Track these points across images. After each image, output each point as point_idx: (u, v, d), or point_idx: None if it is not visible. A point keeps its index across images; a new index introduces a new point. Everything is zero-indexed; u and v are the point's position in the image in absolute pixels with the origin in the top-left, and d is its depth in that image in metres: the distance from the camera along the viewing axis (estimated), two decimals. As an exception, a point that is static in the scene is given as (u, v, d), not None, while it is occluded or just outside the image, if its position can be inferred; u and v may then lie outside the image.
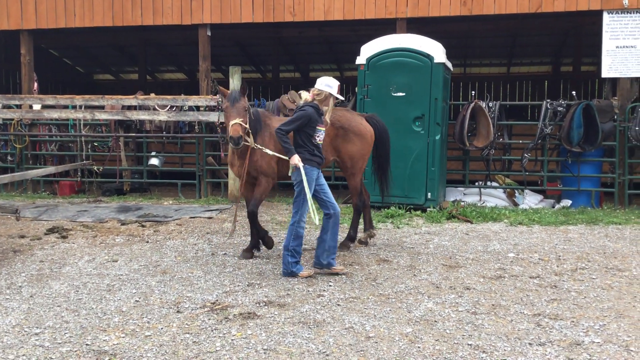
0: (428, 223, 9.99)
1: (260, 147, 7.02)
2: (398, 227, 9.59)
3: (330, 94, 6.62)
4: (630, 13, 11.41)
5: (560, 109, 11.79)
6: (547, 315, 5.22)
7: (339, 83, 6.73)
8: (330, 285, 6.20)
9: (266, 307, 5.49)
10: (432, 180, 10.93)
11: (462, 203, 11.44)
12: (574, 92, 13.00)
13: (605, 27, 11.53)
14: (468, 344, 4.55)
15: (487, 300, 5.69)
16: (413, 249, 7.98)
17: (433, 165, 10.92)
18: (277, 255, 7.56)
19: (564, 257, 7.48)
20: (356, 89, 11.65)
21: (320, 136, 6.68)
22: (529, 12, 11.95)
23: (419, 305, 5.54)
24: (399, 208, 10.72)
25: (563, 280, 6.39)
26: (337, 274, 6.61)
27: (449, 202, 11.47)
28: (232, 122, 6.66)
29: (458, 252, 7.77)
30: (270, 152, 7.02)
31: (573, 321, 5.07)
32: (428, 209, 10.80)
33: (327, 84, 6.62)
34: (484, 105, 11.99)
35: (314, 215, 6.46)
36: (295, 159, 6.44)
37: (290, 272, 6.57)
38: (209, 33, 13.10)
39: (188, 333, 4.84)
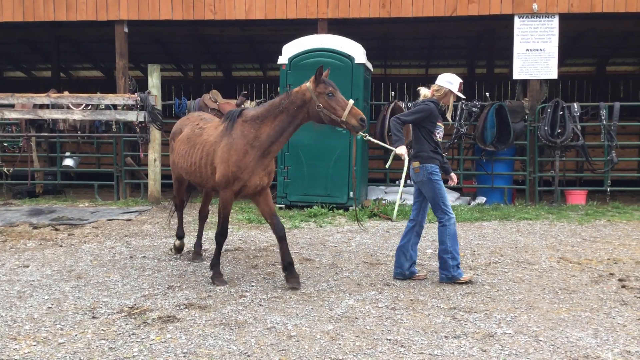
0: (350, 222, 10.12)
1: (372, 139, 6.67)
2: (321, 226, 9.66)
3: (450, 91, 6.30)
4: (540, 17, 11.97)
5: (474, 109, 12.24)
6: (462, 309, 5.41)
7: (461, 80, 6.38)
8: (252, 286, 6.17)
9: (187, 309, 5.40)
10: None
11: (384, 201, 11.66)
12: (487, 93, 13.54)
13: (516, 31, 12.06)
14: (387, 339, 4.64)
15: (406, 296, 5.83)
16: (335, 247, 8.06)
17: (355, 164, 11.03)
18: (202, 257, 7.44)
19: (478, 252, 7.76)
20: (278, 89, 11.64)
21: (440, 133, 6.50)
22: (445, 15, 12.33)
23: (341, 302, 5.60)
24: (322, 207, 10.81)
25: (477, 274, 6.63)
26: (421, 280, 6.46)
27: (371, 201, 11.67)
28: (350, 103, 5.87)
29: (379, 250, 7.92)
30: (381, 143, 6.84)
31: (486, 313, 5.27)
32: (350, 208, 10.94)
33: (448, 80, 6.32)
34: (403, 106, 12.26)
35: (395, 211, 6.39)
36: (403, 150, 6.14)
37: (451, 277, 6.23)
38: (126, 30, 12.73)
39: (104, 339, 4.68)
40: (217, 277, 6.27)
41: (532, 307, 5.46)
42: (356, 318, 5.16)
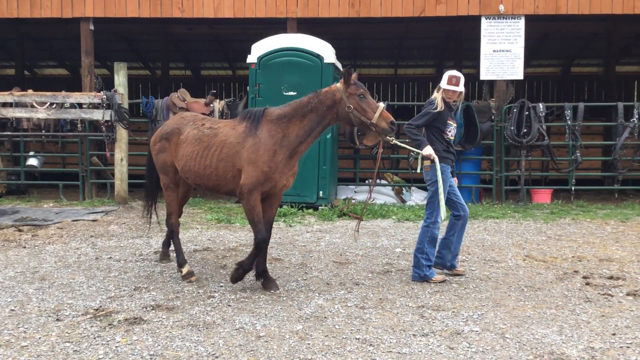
0: (320, 221, 10.12)
1: (398, 142, 6.54)
2: (290, 226, 9.64)
3: (441, 88, 6.40)
4: (506, 19, 12.14)
5: (443, 109, 12.32)
6: (430, 307, 5.45)
7: (454, 74, 6.44)
8: (221, 286, 6.12)
9: (154, 311, 5.32)
10: (324, 178, 11.09)
11: (353, 201, 11.70)
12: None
13: (483, 32, 12.21)
14: (356, 338, 4.65)
15: (375, 295, 5.84)
16: (305, 247, 8.05)
17: (324, 164, 11.08)
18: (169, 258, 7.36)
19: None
20: (248, 88, 11.59)
21: (452, 131, 6.49)
22: (413, 16, 12.42)
23: (310, 302, 5.59)
24: (292, 207, 10.79)
25: (445, 273, 6.68)
26: (459, 275, 6.53)
27: (341, 200, 11.70)
28: (381, 106, 5.81)
29: (348, 249, 7.93)
30: (407, 146, 6.59)
31: (454, 311, 5.32)
32: (320, 207, 10.95)
33: (444, 77, 6.45)
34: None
35: (444, 211, 6.27)
36: (429, 150, 6.21)
37: (423, 276, 6.29)
38: (92, 27, 12.53)
39: (68, 342, 4.59)
40: (270, 282, 6.02)
41: (499, 305, 5.53)
42: (325, 317, 5.15)
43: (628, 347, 4.46)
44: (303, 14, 12.34)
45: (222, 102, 12.66)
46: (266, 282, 6.03)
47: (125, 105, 11.43)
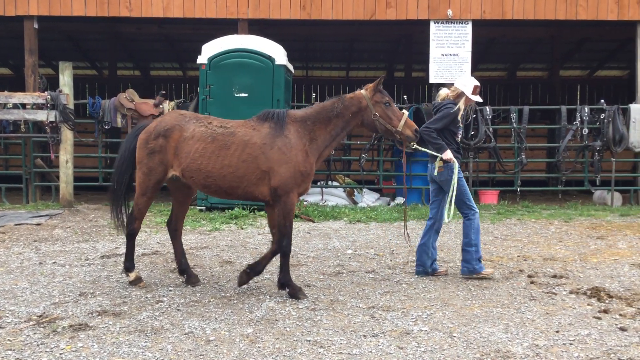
0: (271, 223, 10.08)
1: (419, 147, 6.48)
2: (242, 228, 9.57)
3: (464, 93, 6.51)
4: (454, 23, 12.38)
5: (393, 111, 12.47)
6: (381, 308, 5.49)
7: (477, 84, 6.57)
8: (170, 291, 6.02)
9: (100, 317, 5.20)
10: (275, 180, 11.04)
11: (305, 202, 11.70)
12: (405, 96, 13.85)
13: (432, 36, 12.41)
14: (307, 340, 4.65)
15: (326, 296, 5.86)
16: (256, 249, 8.00)
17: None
18: (114, 262, 7.21)
19: (397, 252, 7.92)
20: (198, 88, 11.46)
21: (460, 134, 6.73)
22: (364, 19, 12.53)
23: (261, 305, 5.56)
24: (243, 209, 10.72)
25: (396, 274, 6.76)
26: (486, 278, 6.52)
27: (292, 202, 11.67)
28: (406, 115, 6.01)
29: (300, 251, 7.93)
30: (428, 151, 6.53)
31: (404, 312, 5.38)
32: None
33: (464, 83, 6.56)
34: (324, 107, 12.34)
35: (448, 212, 6.40)
36: (450, 154, 6.39)
37: (472, 270, 6.46)
38: (36, 26, 12.17)
39: (10, 349, 4.43)
40: (297, 290, 5.84)
41: (447, 304, 5.62)
42: (276, 320, 5.13)
43: (571, 344, 4.60)
44: (254, 15, 12.29)
45: (172, 103, 12.46)
46: (292, 291, 5.83)
47: (71, 106, 11.14)
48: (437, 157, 6.50)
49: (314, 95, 14.30)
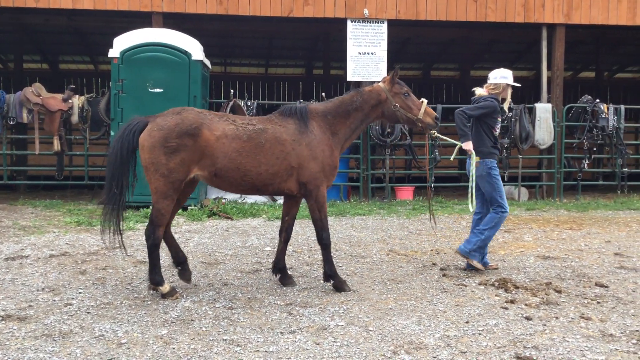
0: (189, 221, 9.91)
1: (440, 135, 6.86)
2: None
3: (507, 84, 6.64)
4: (370, 22, 12.58)
5: (312, 109, 12.55)
6: (298, 304, 5.51)
7: (511, 72, 6.70)
8: (80, 293, 5.79)
9: (3, 321, 4.92)
10: (192, 178, 10.85)
11: (224, 200, 11.57)
12: (323, 94, 13.93)
13: (349, 35, 12.57)
14: (223, 340, 4.59)
15: (244, 295, 5.81)
16: (172, 248, 7.82)
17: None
18: (19, 264, 6.85)
19: (315, 248, 7.97)
20: (110, 83, 11.08)
21: (498, 129, 6.78)
22: (282, 16, 12.51)
23: (176, 305, 5.44)
24: (159, 207, 10.45)
25: (313, 270, 6.80)
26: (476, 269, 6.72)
27: (210, 200, 11.53)
28: (425, 102, 6.10)
29: (218, 249, 7.83)
30: (448, 139, 6.70)
31: (321, 307, 5.42)
32: (189, 207, 10.71)
33: (502, 76, 6.65)
34: (242, 104, 12.25)
35: (471, 202, 6.47)
36: (470, 145, 6.45)
37: (467, 251, 6.62)
38: None
39: None
40: (343, 283, 6.01)
41: (363, 299, 5.71)
42: (192, 320, 5.04)
43: (480, 334, 4.78)
44: (169, 8, 12.01)
45: (82, 97, 11.98)
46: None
47: (-29, 100, 10.50)
48: (474, 154, 6.60)
49: (232, 92, 14.09)
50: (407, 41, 17.97)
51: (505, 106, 7.07)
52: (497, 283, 6.21)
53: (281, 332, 4.77)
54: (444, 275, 6.62)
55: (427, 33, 16.12)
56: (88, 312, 5.21)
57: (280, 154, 5.75)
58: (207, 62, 11.74)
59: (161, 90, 10.73)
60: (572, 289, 6.07)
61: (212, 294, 5.83)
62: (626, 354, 4.38)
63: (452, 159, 6.99)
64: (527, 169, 14.14)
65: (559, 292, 5.95)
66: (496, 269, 6.85)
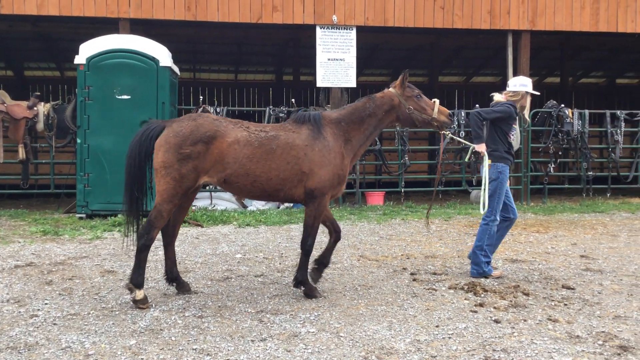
0: (157, 229, 9.79)
1: (455, 137, 7.01)
2: (126, 236, 9.18)
3: (527, 92, 6.69)
4: (339, 29, 12.65)
5: (282, 115, 12.57)
6: (269, 311, 5.48)
7: (530, 80, 6.79)
8: (46, 304, 5.67)
9: (-35, 336, 4.80)
10: (161, 185, 10.76)
11: (193, 207, 11.47)
12: (293, 100, 13.97)
13: (318, 41, 12.61)
14: (193, 349, 4.55)
15: (214, 303, 5.76)
16: (141, 257, 7.72)
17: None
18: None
19: (286, 255, 7.96)
20: (76, 90, 10.91)
21: (514, 135, 6.80)
22: (251, 22, 12.49)
23: (145, 315, 5.37)
24: (128, 215, 10.31)
25: (285, 277, 6.78)
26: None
27: (179, 207, 11.41)
28: (437, 102, 6.25)
29: (188, 257, 7.76)
30: (462, 141, 6.83)
31: (292, 314, 5.40)
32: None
33: (522, 84, 6.70)
34: (211, 110, 12.19)
35: (483, 204, 6.47)
36: (483, 147, 6.52)
37: (481, 273, 6.60)
38: None
39: None
40: (313, 290, 6.02)
41: (335, 305, 5.71)
42: (161, 330, 4.98)
43: (450, 338, 4.82)
44: (136, 14, 11.89)
45: (48, 105, 11.77)
46: (308, 290, 6.03)
47: None
48: (486, 156, 6.65)
49: (202, 98, 14.02)
50: (376, 47, 18.10)
51: (526, 114, 7.19)
52: (467, 287, 6.28)
53: (252, 340, 4.74)
54: (414, 279, 6.66)
55: (395, 39, 16.27)
56: (54, 324, 5.11)
57: (291, 159, 5.79)
58: (176, 69, 11.65)
59: (129, 97, 10.61)
60: (540, 292, 6.16)
61: (182, 302, 5.77)
62: (592, 355, 4.46)
63: (467, 159, 7.11)
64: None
65: (527, 294, 6.04)
66: (500, 277, 6.81)
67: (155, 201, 5.70)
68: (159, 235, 5.97)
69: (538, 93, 7.22)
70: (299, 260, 6.09)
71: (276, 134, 5.87)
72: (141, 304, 5.57)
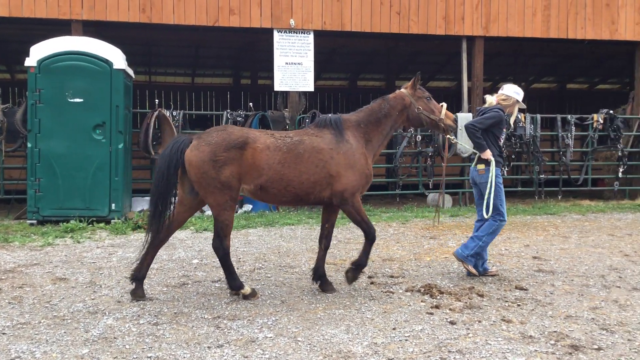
0: (112, 235, 9.61)
1: (460, 143, 7.82)
2: (78, 242, 9.00)
3: (517, 101, 6.87)
4: (297, 33, 12.65)
5: (239, 118, 12.51)
6: (226, 317, 5.43)
7: (522, 92, 7.03)
8: (-7, 313, 5.49)
9: None
10: (117, 190, 10.58)
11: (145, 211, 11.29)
12: (251, 104, 13.92)
13: (275, 45, 12.59)
14: (148, 357, 4.46)
15: (170, 309, 5.68)
16: (94, 263, 7.57)
17: (117, 175, 10.57)
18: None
19: (243, 259, 7.90)
20: (27, 93, 10.62)
21: (503, 139, 7.01)
22: (207, 25, 12.39)
23: (98, 323, 5.25)
24: (80, 221, 10.10)
25: (243, 282, 6.71)
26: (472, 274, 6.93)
27: (135, 213, 11.23)
28: (445, 105, 6.48)
29: (142, 263, 7.61)
30: (469, 147, 6.80)
31: (249, 320, 5.36)
32: (113, 221, 10.39)
33: (516, 92, 6.89)
34: (168, 114, 12.04)
35: (486, 210, 6.62)
36: (489, 154, 6.67)
37: (464, 256, 6.80)
38: None
39: None
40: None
41: (293, 309, 5.69)
42: (115, 338, 4.88)
43: (407, 340, 4.86)
44: (89, 16, 11.67)
45: (-3, 108, 11.43)
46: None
47: None
48: (479, 160, 6.84)
49: (157, 102, 13.81)
50: (334, 51, 18.19)
51: (512, 120, 7.36)
52: (423, 289, 6.34)
53: (208, 347, 4.69)
54: (371, 282, 6.69)
55: (352, 44, 16.37)
56: (3, 333, 4.95)
57: (319, 162, 5.95)
58: (130, 71, 11.46)
59: (81, 100, 10.39)
60: (494, 293, 6.27)
61: (136, 310, 5.66)
62: (545, 354, 4.56)
63: (473, 166, 7.15)
64: (450, 176, 14.55)
65: (482, 296, 6.15)
66: (496, 275, 6.99)
67: (212, 214, 5.95)
68: (149, 237, 5.99)
69: (525, 107, 7.41)
70: (362, 248, 6.35)
71: (300, 139, 6.05)
72: (252, 297, 5.98)
